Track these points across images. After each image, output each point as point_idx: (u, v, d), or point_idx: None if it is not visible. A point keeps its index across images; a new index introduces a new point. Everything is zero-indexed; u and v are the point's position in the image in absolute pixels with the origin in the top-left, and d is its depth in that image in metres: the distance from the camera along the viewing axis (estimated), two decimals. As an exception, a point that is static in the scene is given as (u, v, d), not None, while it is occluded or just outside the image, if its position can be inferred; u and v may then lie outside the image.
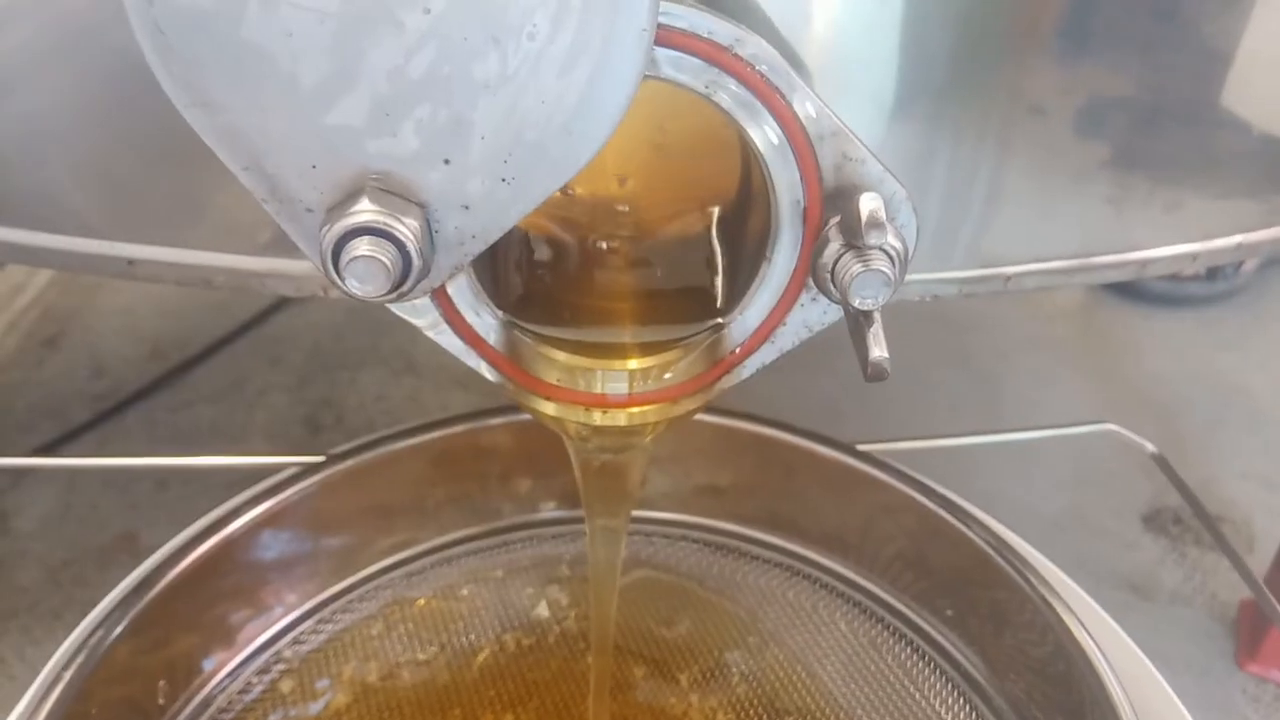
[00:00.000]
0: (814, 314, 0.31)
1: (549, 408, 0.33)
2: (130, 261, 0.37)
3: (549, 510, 0.53)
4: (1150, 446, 0.55)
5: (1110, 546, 0.83)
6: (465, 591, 0.52)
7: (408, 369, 1.06)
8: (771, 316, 0.31)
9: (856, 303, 0.28)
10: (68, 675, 0.39)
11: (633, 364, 0.32)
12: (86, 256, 0.37)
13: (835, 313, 0.31)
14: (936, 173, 0.38)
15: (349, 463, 0.48)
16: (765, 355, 0.32)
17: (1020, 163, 0.39)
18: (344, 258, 0.26)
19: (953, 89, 0.37)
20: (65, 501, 0.90)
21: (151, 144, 0.36)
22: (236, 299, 1.15)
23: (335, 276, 0.27)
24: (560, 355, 0.32)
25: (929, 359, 1.06)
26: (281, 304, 1.15)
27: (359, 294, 0.27)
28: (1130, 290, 1.15)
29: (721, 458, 0.51)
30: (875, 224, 0.27)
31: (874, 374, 0.28)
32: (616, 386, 0.32)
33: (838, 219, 0.29)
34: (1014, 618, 0.42)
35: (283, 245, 0.38)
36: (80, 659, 0.40)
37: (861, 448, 0.48)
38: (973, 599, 0.44)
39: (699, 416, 0.51)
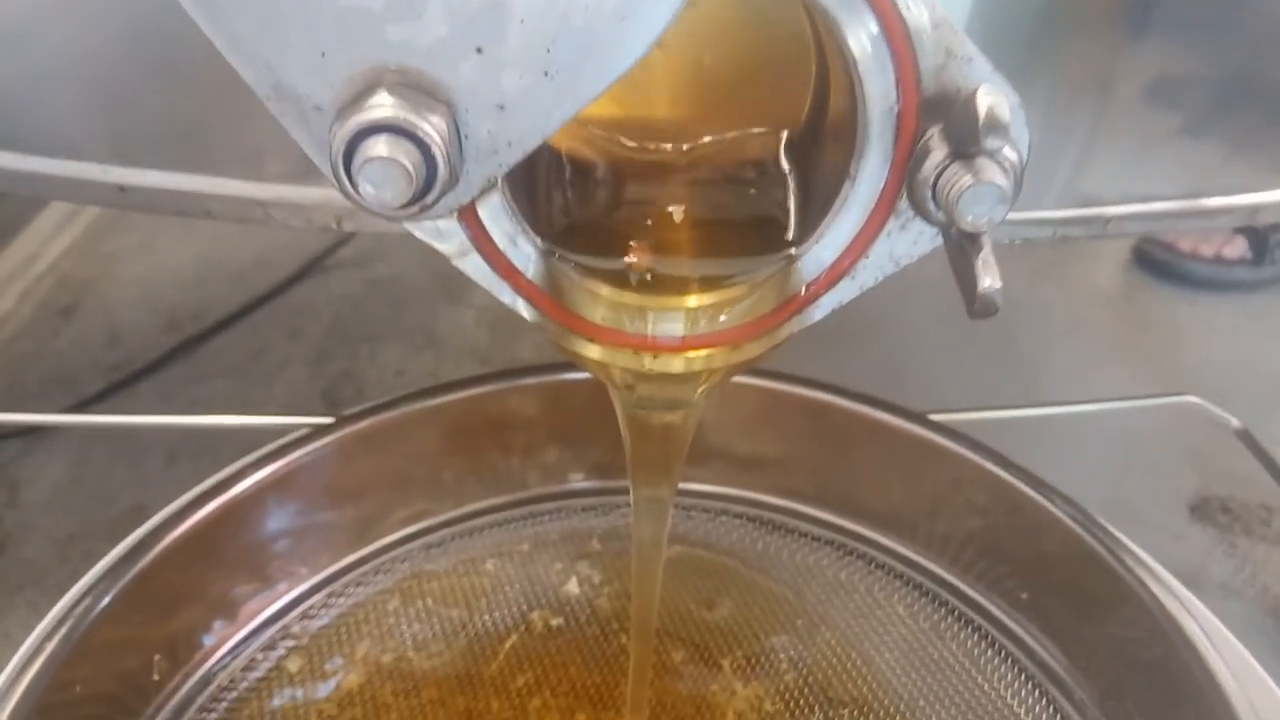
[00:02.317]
0: (902, 244, 0.27)
1: (593, 351, 0.29)
2: (122, 188, 0.33)
3: (579, 481, 0.49)
4: (1235, 421, 0.51)
5: (1155, 535, 0.79)
6: (489, 566, 0.48)
7: (429, 343, 1.03)
8: (853, 247, 0.27)
9: (967, 221, 0.23)
10: (50, 646, 0.35)
11: (689, 302, 0.28)
12: (74, 182, 0.33)
13: (927, 242, 0.27)
14: (1032, 97, 0.33)
15: (364, 424, 0.44)
16: (843, 293, 0.28)
17: (1124, 93, 0.34)
18: (358, 159, 0.22)
19: (1053, 6, 0.33)
20: (74, 474, 0.88)
21: (146, 55, 0.32)
22: (255, 270, 1.12)
23: (347, 184, 0.23)
24: (606, 291, 0.28)
25: (967, 342, 1.02)
26: (301, 275, 1.12)
27: (374, 203, 0.23)
28: (1173, 274, 1.11)
29: (768, 425, 0.46)
30: (995, 124, 0.22)
31: (982, 308, 0.24)
32: (670, 328, 0.28)
33: (938, 127, 0.25)
34: (1102, 602, 0.37)
35: (290, 171, 0.34)
36: (65, 629, 0.36)
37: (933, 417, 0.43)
38: (1052, 581, 0.40)
39: (744, 379, 0.47)
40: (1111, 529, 0.38)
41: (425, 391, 0.45)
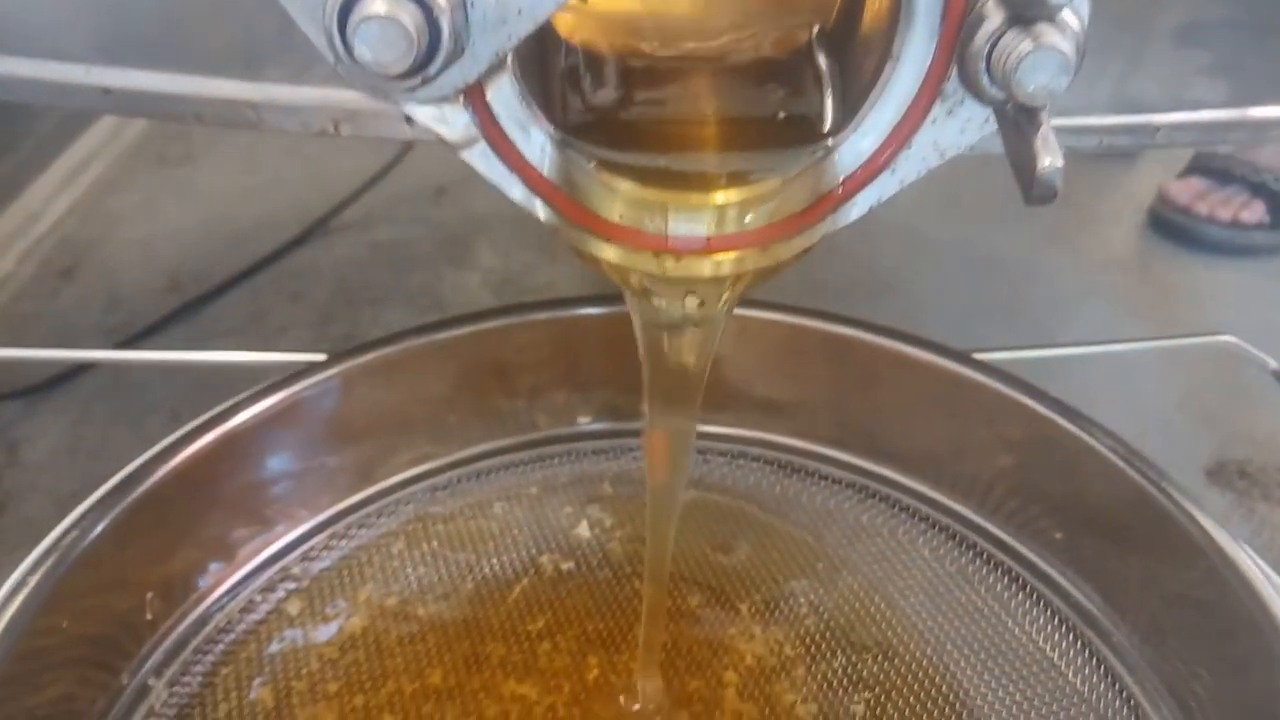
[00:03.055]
0: (949, 132, 0.25)
1: (609, 253, 0.27)
2: (106, 90, 0.31)
3: (590, 423, 0.48)
4: (1272, 362, 0.48)
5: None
6: (497, 509, 0.46)
7: (433, 306, 1.01)
8: (894, 136, 0.25)
9: (1027, 93, 0.21)
10: (34, 579, 0.34)
11: (715, 199, 0.26)
12: (57, 85, 0.31)
13: (975, 129, 0.25)
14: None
15: (366, 358, 0.42)
16: (882, 188, 0.26)
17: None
18: (354, 18, 0.20)
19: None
20: (75, 434, 0.86)
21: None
22: (257, 232, 1.11)
23: (341, 47, 0.21)
24: (626, 186, 0.26)
25: (979, 305, 1.00)
26: (304, 238, 1.10)
27: (372, 67, 0.21)
28: (1190, 238, 1.09)
29: (788, 364, 0.44)
30: (1059, -22, 0.20)
31: (1041, 191, 0.22)
32: (693, 227, 0.26)
33: (992, -7, 0.22)
34: (1146, 540, 0.35)
35: (284, 71, 0.32)
36: (50, 562, 0.34)
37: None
38: (1090, 520, 0.38)
39: (764, 314, 0.45)
40: (1157, 464, 0.36)
41: (431, 325, 0.43)
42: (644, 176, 0.26)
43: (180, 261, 1.10)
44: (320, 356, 0.43)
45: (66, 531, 0.36)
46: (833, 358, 0.43)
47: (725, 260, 0.27)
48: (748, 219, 0.26)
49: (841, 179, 0.26)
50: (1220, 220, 1.04)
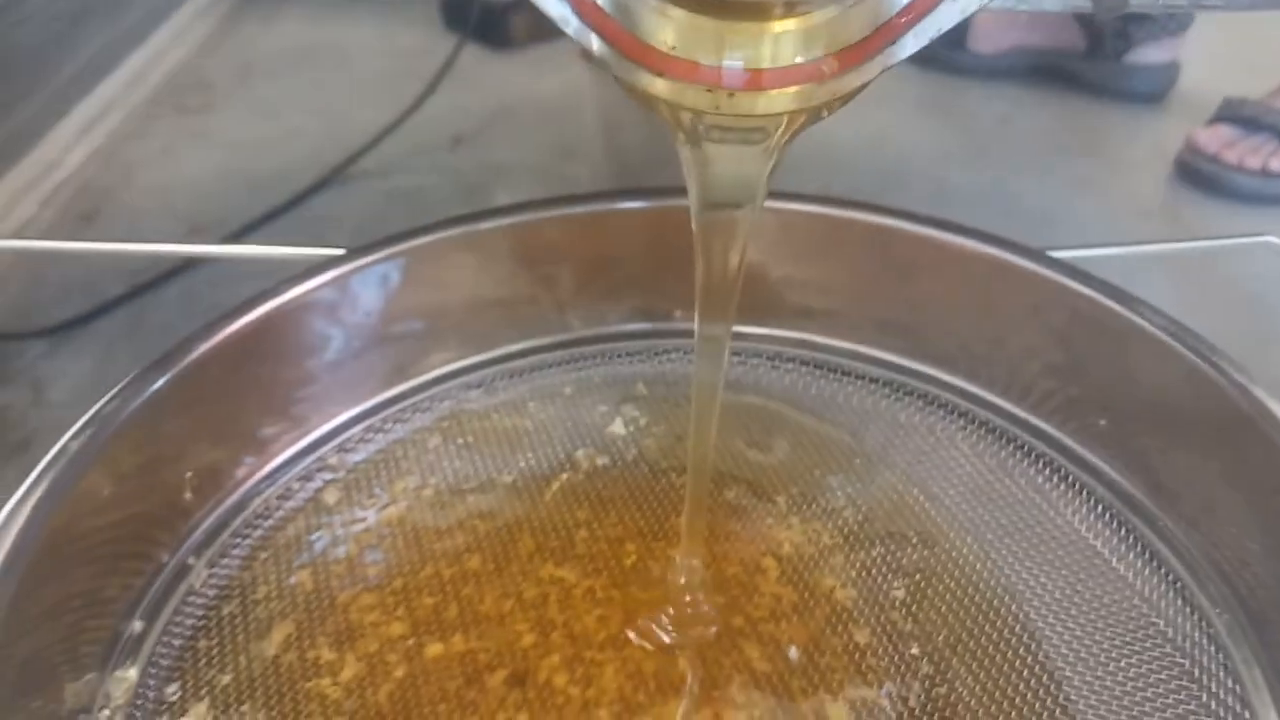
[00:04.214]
0: (1010, -48, 0.24)
1: (659, 86, 0.26)
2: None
3: (623, 324, 0.47)
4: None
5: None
6: (531, 407, 0.46)
7: (453, 252, 1.01)
8: (957, -44, 0.24)
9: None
10: (75, 445, 0.34)
11: (772, 27, 0.26)
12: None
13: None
14: None
15: (396, 248, 0.42)
16: (943, 18, 0.25)
17: None
18: None
19: None
20: (100, 372, 0.87)
21: None
22: (275, 180, 1.10)
23: None
24: (679, 14, 0.25)
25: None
26: (322, 185, 1.10)
27: None
28: (1218, 187, 1.07)
29: (828, 259, 0.44)
30: None
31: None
32: (748, 59, 0.26)
33: None
34: (1196, 419, 0.35)
35: None
36: (90, 432, 0.34)
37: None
38: (1137, 403, 0.37)
39: (802, 207, 0.44)
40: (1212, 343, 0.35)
41: (463, 218, 0.43)
42: (699, 4, 0.25)
43: (199, 208, 1.10)
44: (334, 251, 0.42)
45: (106, 403, 0.36)
46: (873, 250, 0.43)
47: (780, 96, 0.26)
48: (804, 50, 0.26)
49: (902, 5, 0.25)
50: (1249, 168, 1.03)
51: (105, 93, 1.21)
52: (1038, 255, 0.39)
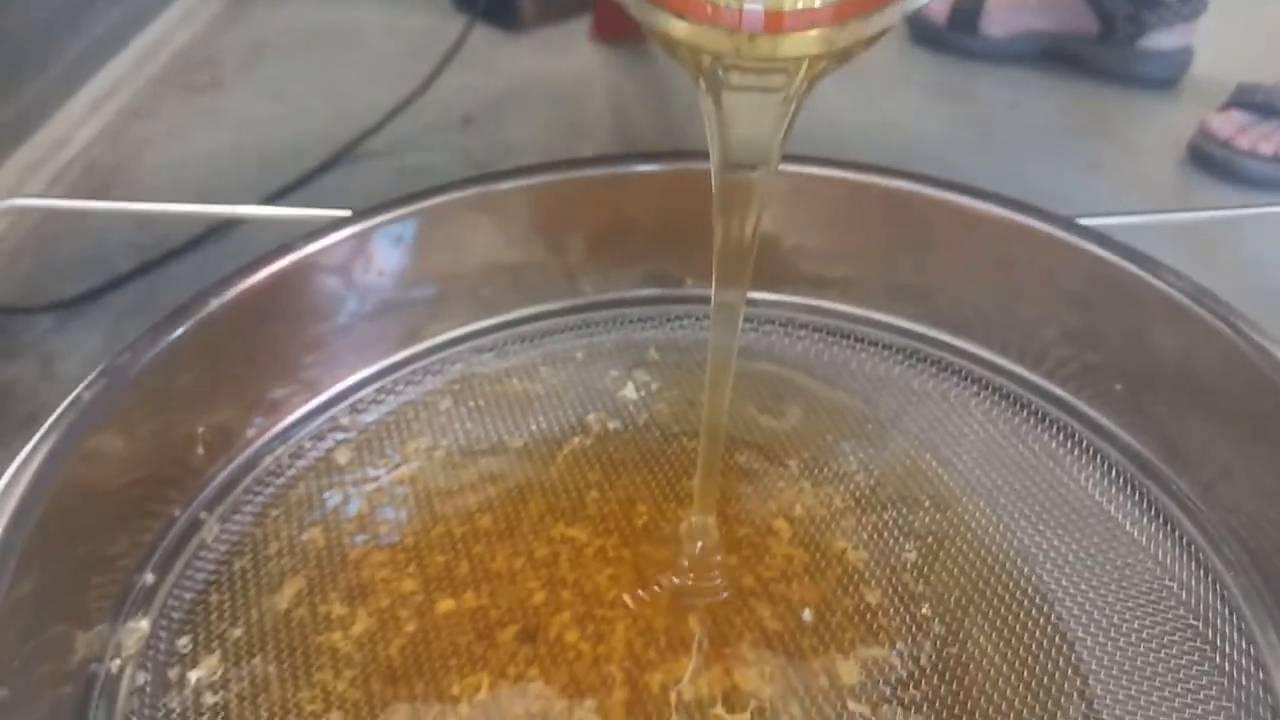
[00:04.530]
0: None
1: (679, 29, 0.26)
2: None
3: (634, 290, 0.47)
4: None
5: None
6: (542, 371, 0.46)
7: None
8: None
9: None
10: (88, 395, 0.34)
11: (794, -32, 0.25)
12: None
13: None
14: None
15: (411, 208, 0.42)
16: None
17: None
18: None
19: None
20: (109, 347, 0.87)
21: None
22: (285, 157, 1.10)
23: None
24: (700, -48, 0.25)
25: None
26: (332, 163, 1.10)
27: None
28: (1230, 173, 1.07)
29: (843, 224, 0.44)
30: None
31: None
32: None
33: None
34: (1214, 379, 0.35)
35: None
36: (104, 382, 0.34)
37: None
38: (1152, 366, 0.37)
39: (819, 171, 0.44)
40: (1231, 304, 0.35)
41: (476, 179, 0.43)
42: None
43: (209, 185, 1.10)
44: (341, 213, 0.42)
45: (120, 355, 0.36)
46: (887, 215, 0.43)
47: (801, 39, 0.26)
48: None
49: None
50: (1261, 154, 1.02)
51: (114, 71, 1.21)
52: (1054, 218, 0.39)
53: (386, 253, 0.42)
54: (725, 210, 0.31)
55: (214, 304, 0.37)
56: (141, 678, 0.34)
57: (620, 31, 1.01)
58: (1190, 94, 1.10)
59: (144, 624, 0.35)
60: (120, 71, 1.20)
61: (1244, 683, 0.32)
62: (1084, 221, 0.41)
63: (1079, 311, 0.39)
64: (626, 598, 0.36)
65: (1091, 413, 0.40)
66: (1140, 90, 1.07)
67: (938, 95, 1.04)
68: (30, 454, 0.33)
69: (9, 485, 0.31)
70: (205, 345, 0.37)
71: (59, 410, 0.34)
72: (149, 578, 0.36)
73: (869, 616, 0.36)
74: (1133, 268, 0.37)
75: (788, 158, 0.42)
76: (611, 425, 0.43)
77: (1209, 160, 1.06)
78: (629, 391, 0.45)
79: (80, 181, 1.10)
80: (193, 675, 0.34)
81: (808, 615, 0.36)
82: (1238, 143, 1.02)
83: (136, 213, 0.67)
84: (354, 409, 0.43)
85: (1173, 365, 0.37)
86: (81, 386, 0.35)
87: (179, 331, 0.36)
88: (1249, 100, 1.02)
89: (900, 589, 0.36)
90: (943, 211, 0.41)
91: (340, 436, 0.42)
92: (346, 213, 0.43)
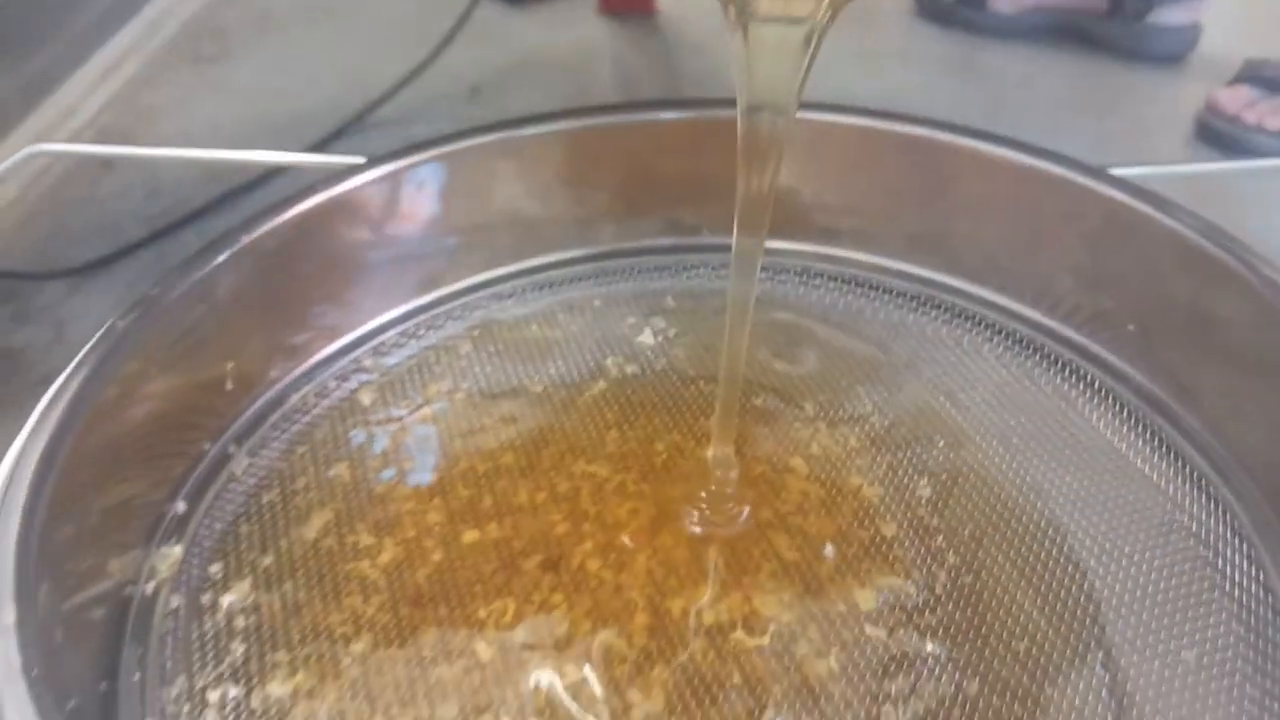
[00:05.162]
0: None
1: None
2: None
3: (651, 239, 0.48)
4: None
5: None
6: (561, 318, 0.46)
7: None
8: None
9: None
10: (121, 325, 0.34)
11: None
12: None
13: None
14: None
15: (429, 154, 0.42)
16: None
17: None
18: None
19: None
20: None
21: None
22: (294, 127, 1.11)
23: None
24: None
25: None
26: (340, 133, 1.10)
27: None
28: (1238, 147, 1.07)
29: (860, 172, 0.44)
30: None
31: None
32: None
33: None
34: (1226, 315, 0.35)
35: None
36: (137, 313, 0.35)
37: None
38: (1165, 305, 0.38)
39: (834, 118, 0.44)
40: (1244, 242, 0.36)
41: (494, 126, 0.43)
42: None
43: (219, 157, 1.10)
44: (352, 159, 0.43)
45: (152, 288, 0.36)
46: (904, 161, 0.43)
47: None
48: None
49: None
50: (1269, 129, 1.03)
51: (123, 40, 1.21)
52: (1069, 161, 0.40)
53: (410, 197, 0.43)
54: (748, 155, 0.31)
55: (244, 240, 0.38)
56: (175, 601, 0.34)
57: (627, 4, 1.01)
58: (1199, 69, 1.10)
59: (177, 550, 0.36)
60: (129, 41, 1.20)
61: (1253, 607, 0.33)
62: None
63: (1092, 254, 0.40)
64: (626, 538, 0.37)
65: (1104, 354, 0.41)
66: (1149, 66, 1.07)
67: (946, 71, 1.05)
68: (65, 381, 0.33)
69: (45, 410, 0.32)
70: (234, 282, 0.38)
71: (93, 340, 0.35)
72: (180, 506, 0.37)
73: (885, 548, 0.36)
74: (1145, 207, 0.38)
75: (807, 105, 0.43)
76: (629, 369, 0.44)
77: (1216, 135, 1.06)
78: (646, 337, 0.45)
79: (89, 151, 1.10)
80: (225, 600, 0.35)
81: (824, 547, 0.36)
82: (1245, 117, 1.03)
83: (152, 158, 0.67)
84: (376, 352, 0.44)
85: (1185, 303, 0.37)
86: (115, 317, 0.35)
87: (209, 267, 0.37)
88: (1257, 75, 1.02)
89: (915, 522, 0.37)
90: (958, 157, 0.42)
91: (364, 378, 0.43)
92: (355, 160, 0.43)
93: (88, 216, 1.00)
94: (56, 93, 1.14)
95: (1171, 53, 1.12)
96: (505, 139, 0.43)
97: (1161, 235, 0.37)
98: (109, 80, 1.18)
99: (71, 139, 1.13)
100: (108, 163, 1.10)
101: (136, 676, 0.32)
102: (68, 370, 0.34)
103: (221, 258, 0.37)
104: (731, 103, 0.30)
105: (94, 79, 1.17)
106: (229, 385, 0.39)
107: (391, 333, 0.44)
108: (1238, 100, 1.03)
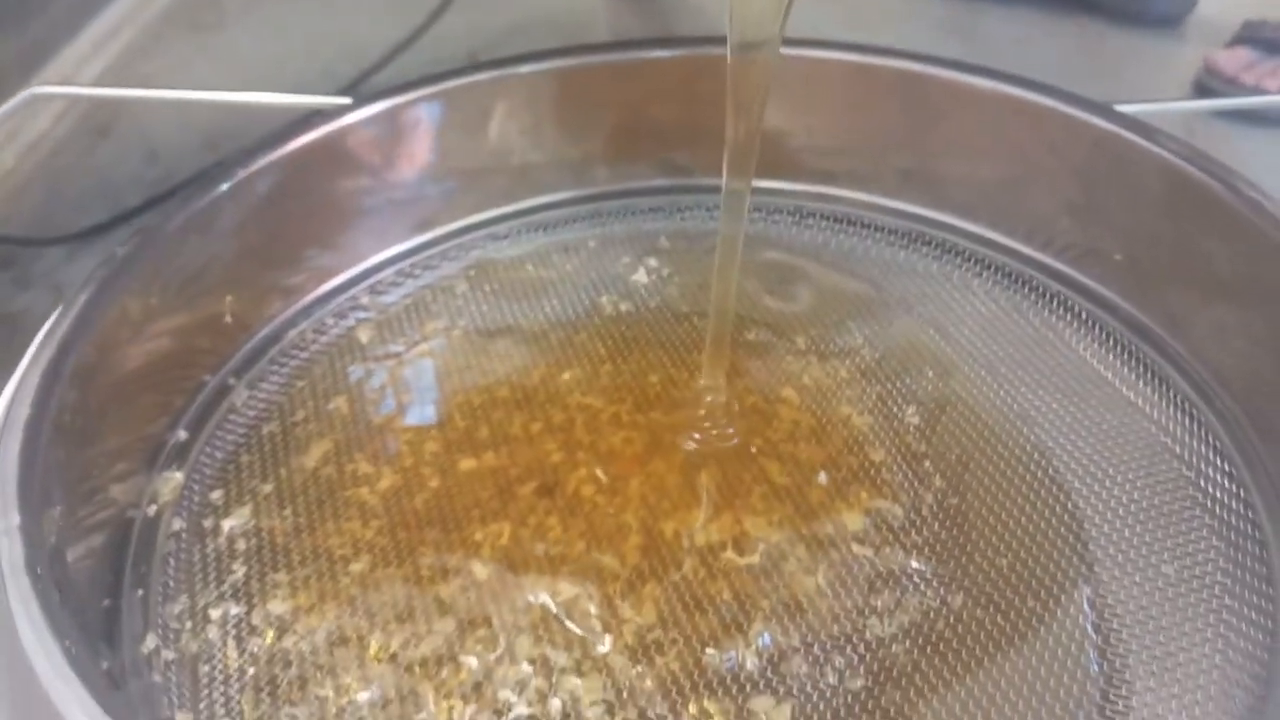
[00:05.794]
0: None
1: None
2: None
3: (645, 180, 0.48)
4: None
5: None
6: (555, 258, 0.47)
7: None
8: None
9: None
10: (121, 251, 0.35)
11: None
12: None
13: None
14: None
15: (422, 91, 0.42)
16: None
17: None
18: None
19: None
20: (121, 277, 0.88)
21: None
22: (294, 93, 1.11)
23: None
24: None
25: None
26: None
27: None
28: (1238, 112, 1.07)
29: (852, 109, 0.44)
30: None
31: None
32: None
33: None
34: (1210, 240, 0.36)
35: None
36: (137, 241, 0.36)
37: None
38: (1153, 233, 0.38)
39: (826, 54, 0.45)
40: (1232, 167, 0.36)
41: (490, 63, 0.44)
42: None
43: (215, 121, 1.10)
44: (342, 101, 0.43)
45: (152, 218, 0.37)
46: (895, 98, 0.43)
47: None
48: None
49: None
50: (1267, 90, 1.02)
51: (118, 9, 1.21)
52: (1055, 91, 0.40)
53: (405, 136, 0.43)
54: (736, 91, 0.32)
55: (241, 173, 0.38)
56: (177, 524, 0.35)
57: (625, -33, 1.00)
58: (1197, 31, 1.10)
59: (178, 475, 0.36)
60: (124, 10, 1.20)
61: (1234, 522, 0.34)
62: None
63: (1080, 182, 0.40)
64: (620, 465, 0.37)
65: (1091, 284, 0.41)
66: (1147, 27, 1.07)
67: (941, 32, 1.04)
68: (66, 309, 0.34)
69: (49, 331, 0.33)
70: (231, 215, 0.38)
71: (94, 267, 0.36)
72: (181, 434, 0.37)
73: (873, 473, 0.37)
74: (1132, 136, 0.38)
75: (796, 42, 0.43)
76: (624, 307, 0.45)
77: (1215, 96, 1.06)
78: (640, 276, 0.46)
79: (88, 117, 1.10)
80: (226, 524, 0.36)
81: (814, 472, 0.37)
82: (1244, 79, 1.02)
83: (146, 99, 0.67)
84: (373, 290, 0.44)
85: (1172, 231, 0.38)
86: (117, 246, 0.36)
87: (207, 199, 0.37)
88: (1256, 36, 1.01)
89: (903, 449, 0.38)
90: (945, 91, 0.42)
91: (361, 315, 0.44)
92: (341, 101, 0.44)
93: (85, 183, 1.01)
94: (52, 61, 1.14)
95: (1170, 15, 1.12)
96: (497, 79, 0.43)
97: (1149, 163, 0.38)
98: (105, 49, 1.18)
99: (67, 108, 1.13)
100: (103, 130, 1.10)
101: (139, 593, 0.33)
102: (69, 300, 0.35)
103: (221, 188, 0.37)
104: (724, 40, 0.30)
105: (90, 48, 1.17)
106: (228, 319, 0.39)
107: (388, 272, 0.45)
108: (1236, 62, 1.03)
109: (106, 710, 0.22)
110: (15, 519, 0.26)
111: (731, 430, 0.38)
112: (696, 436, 0.38)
